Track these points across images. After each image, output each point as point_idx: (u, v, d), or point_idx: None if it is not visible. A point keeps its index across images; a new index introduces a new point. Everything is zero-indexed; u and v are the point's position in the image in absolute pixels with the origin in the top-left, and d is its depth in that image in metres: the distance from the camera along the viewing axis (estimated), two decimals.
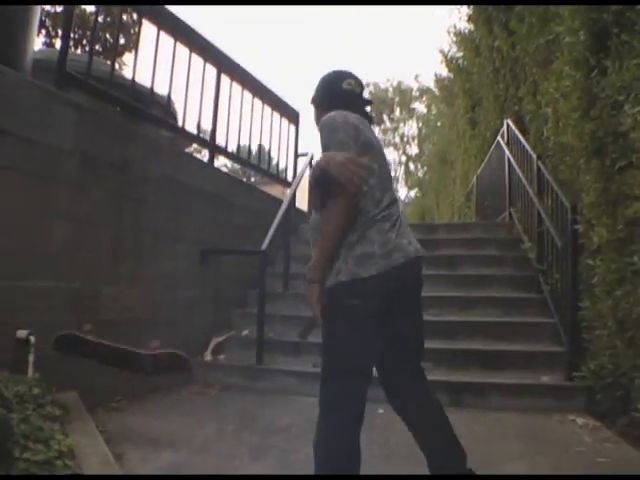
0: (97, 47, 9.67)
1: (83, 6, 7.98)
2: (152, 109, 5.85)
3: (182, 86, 6.05)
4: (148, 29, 5.65)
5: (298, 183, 8.04)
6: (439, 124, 19.19)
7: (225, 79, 7.05)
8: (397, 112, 37.83)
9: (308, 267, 2.52)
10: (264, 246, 5.99)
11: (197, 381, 5.59)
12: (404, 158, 38.08)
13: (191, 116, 6.35)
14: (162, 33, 5.70)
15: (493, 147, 9.31)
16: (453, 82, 14.50)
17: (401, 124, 38.07)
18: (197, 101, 6.42)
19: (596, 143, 4.42)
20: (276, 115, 8.60)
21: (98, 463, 2.87)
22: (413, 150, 37.43)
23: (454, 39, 12.70)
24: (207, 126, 6.91)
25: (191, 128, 6.50)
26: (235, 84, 7.30)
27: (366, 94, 3.07)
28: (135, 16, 6.93)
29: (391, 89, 37.05)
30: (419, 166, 34.38)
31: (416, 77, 24.02)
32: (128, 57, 9.10)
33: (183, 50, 6.09)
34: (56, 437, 2.76)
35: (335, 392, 2.51)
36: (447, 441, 2.67)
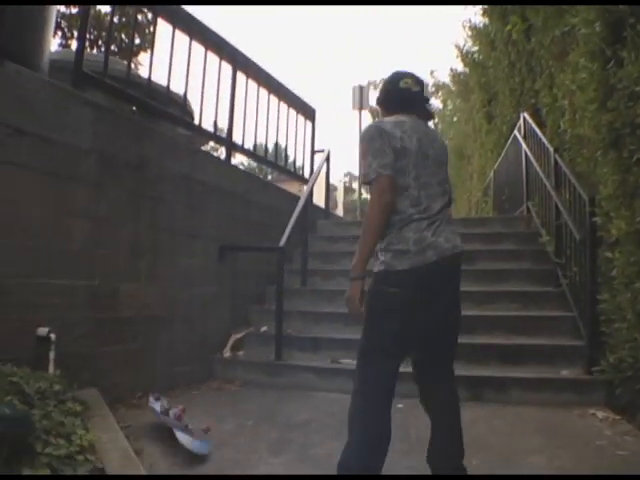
0: (113, 47, 9.73)
1: (98, 7, 8.03)
2: (168, 107, 5.88)
3: (198, 84, 6.07)
4: (163, 28, 5.67)
5: (315, 180, 8.05)
6: (455, 119, 19.08)
7: (241, 76, 7.05)
8: None
9: (353, 266, 2.73)
10: (282, 242, 6.01)
11: (216, 377, 5.64)
12: None
13: (207, 114, 6.37)
14: (177, 32, 5.71)
15: (510, 141, 9.24)
16: (469, 77, 14.41)
17: None
18: (213, 99, 6.44)
19: (613, 135, 4.38)
20: (292, 112, 8.59)
21: (119, 458, 2.89)
22: None
23: (469, 33, 12.63)
24: (223, 124, 6.93)
25: (207, 126, 6.52)
26: (251, 81, 7.31)
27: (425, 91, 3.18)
28: (150, 15, 6.96)
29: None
30: None
31: (432, 73, 23.83)
32: (144, 57, 9.14)
33: (199, 48, 6.11)
34: (77, 432, 2.79)
35: (365, 368, 2.76)
36: (452, 440, 2.85)
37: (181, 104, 6.18)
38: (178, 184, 5.42)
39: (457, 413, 2.89)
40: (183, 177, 5.50)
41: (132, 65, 6.19)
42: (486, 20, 11.18)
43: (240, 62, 7.02)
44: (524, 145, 7.89)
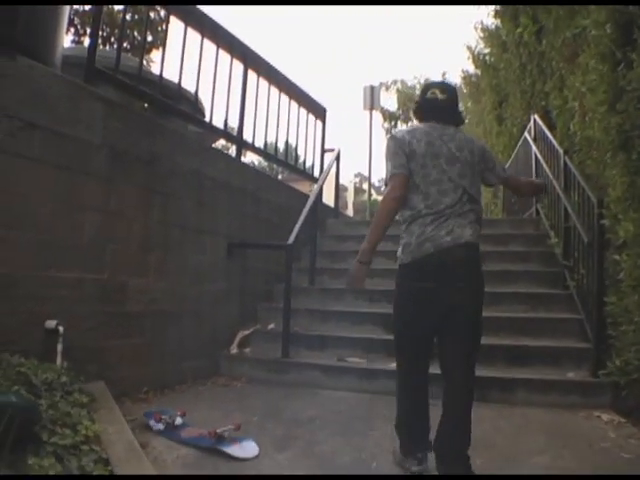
0: (125, 45, 9.79)
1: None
2: (180, 104, 5.91)
3: (209, 81, 6.09)
4: (175, 25, 5.70)
5: (325, 178, 8.06)
6: (466, 121, 19.05)
7: (252, 74, 7.08)
8: None
9: (361, 250, 3.18)
10: (290, 240, 6.03)
11: (223, 373, 5.66)
12: None
13: (218, 111, 6.39)
14: (189, 29, 5.74)
15: (520, 143, 9.24)
16: (480, 78, 14.39)
17: None
18: (224, 96, 6.46)
19: (622, 137, 4.38)
20: (303, 111, 8.60)
21: (124, 449, 2.91)
22: None
23: (481, 35, 12.60)
24: (234, 122, 6.96)
25: (218, 123, 6.55)
26: (262, 79, 7.33)
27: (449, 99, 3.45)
28: (163, 13, 6.99)
29: (418, 86, 36.88)
30: None
31: (443, 74, 23.79)
32: (156, 54, 9.20)
33: (210, 46, 6.13)
34: (83, 423, 2.82)
35: (395, 352, 3.38)
36: (457, 425, 3.05)
37: (192, 101, 6.22)
38: (188, 180, 5.45)
39: (465, 400, 3.09)
40: (193, 173, 5.53)
41: (144, 62, 6.22)
42: (498, 22, 11.15)
43: (251, 60, 7.04)
44: (534, 147, 7.88)
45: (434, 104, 3.36)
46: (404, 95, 27.34)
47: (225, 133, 6.84)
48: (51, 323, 3.78)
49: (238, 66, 6.79)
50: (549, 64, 7.64)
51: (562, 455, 3.55)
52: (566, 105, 6.55)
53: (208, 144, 7.07)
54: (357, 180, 41.37)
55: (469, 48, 13.44)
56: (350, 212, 22.12)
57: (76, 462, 2.47)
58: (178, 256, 5.26)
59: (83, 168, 4.23)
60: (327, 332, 6.04)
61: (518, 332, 5.51)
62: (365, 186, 31.57)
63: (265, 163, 20.02)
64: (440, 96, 3.35)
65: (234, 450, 3.49)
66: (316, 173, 9.13)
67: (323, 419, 4.32)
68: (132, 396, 4.51)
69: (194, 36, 5.85)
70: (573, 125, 6.08)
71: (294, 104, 8.31)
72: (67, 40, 8.92)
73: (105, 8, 6.48)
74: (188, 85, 5.97)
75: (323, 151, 9.39)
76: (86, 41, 9.90)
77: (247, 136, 7.11)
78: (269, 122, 7.60)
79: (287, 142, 8.40)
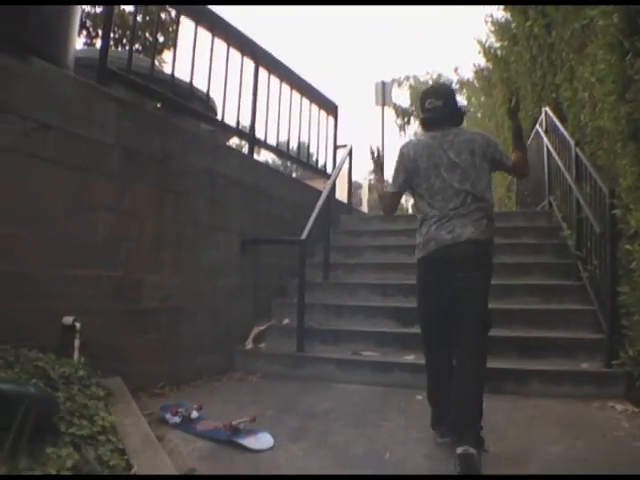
0: (137, 46, 9.85)
1: (122, 6, 8.12)
2: (192, 103, 5.95)
3: (221, 80, 6.13)
4: (186, 25, 5.74)
5: (337, 173, 8.08)
6: (479, 115, 18.98)
7: (263, 72, 7.11)
8: None
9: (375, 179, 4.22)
10: (304, 235, 6.06)
11: (238, 368, 5.70)
12: None
13: (230, 109, 6.44)
14: (200, 29, 5.78)
15: (532, 136, 9.22)
16: (491, 72, 14.36)
17: None
18: (236, 94, 6.50)
19: (632, 126, 4.38)
20: (314, 107, 8.63)
21: (140, 441, 2.95)
22: None
23: (491, 28, 12.58)
24: (246, 120, 6.98)
25: (230, 121, 6.57)
26: (273, 77, 7.37)
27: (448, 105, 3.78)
28: (173, 13, 7.04)
29: (430, 82, 36.77)
30: None
31: (456, 69, 23.81)
32: (167, 55, 9.24)
33: (221, 45, 6.17)
34: (100, 414, 2.87)
35: (420, 326, 3.77)
36: (465, 390, 3.24)
37: (204, 100, 6.26)
38: (201, 178, 5.50)
39: (475, 363, 3.33)
40: (206, 171, 5.57)
41: (156, 62, 6.27)
42: (508, 15, 11.13)
43: (262, 58, 7.07)
44: (546, 139, 7.88)
45: (433, 114, 3.69)
46: (416, 91, 27.29)
47: (237, 131, 6.87)
48: (68, 319, 3.83)
49: (249, 64, 6.82)
50: (559, 56, 7.63)
51: (575, 445, 3.56)
52: (576, 96, 6.54)
53: (222, 142, 7.11)
54: (371, 177, 41.31)
55: (480, 42, 13.44)
56: (365, 209, 22.06)
57: (93, 452, 2.52)
58: (192, 253, 5.31)
59: (96, 168, 4.28)
60: (341, 326, 6.08)
61: (531, 324, 5.52)
62: None
63: (279, 161, 20.00)
64: (436, 103, 3.67)
65: (249, 442, 3.53)
66: (329, 170, 9.13)
67: (337, 411, 4.35)
68: (148, 391, 4.56)
69: (205, 35, 5.89)
70: (584, 116, 6.07)
71: (305, 101, 8.34)
72: (79, 42, 8.99)
73: (116, 10, 6.52)
74: (200, 84, 6.02)
75: (335, 147, 9.42)
76: (98, 43, 9.97)
77: (259, 134, 7.16)
78: (281, 119, 7.64)
79: (299, 139, 8.44)
